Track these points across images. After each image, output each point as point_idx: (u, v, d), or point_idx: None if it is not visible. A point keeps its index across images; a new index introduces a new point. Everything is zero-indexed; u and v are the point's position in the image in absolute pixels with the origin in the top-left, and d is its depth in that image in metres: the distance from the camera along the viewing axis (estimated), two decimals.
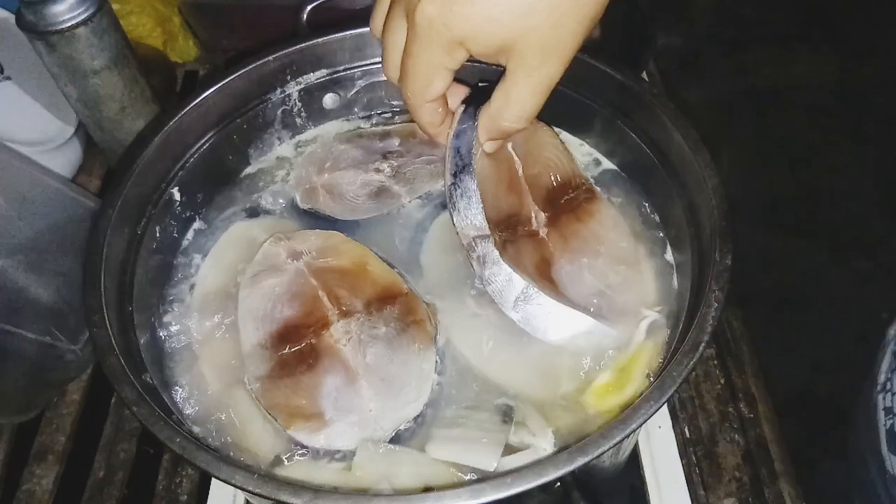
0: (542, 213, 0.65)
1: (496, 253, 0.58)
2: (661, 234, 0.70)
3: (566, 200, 0.68)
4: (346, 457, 0.57)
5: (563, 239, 0.65)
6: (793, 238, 2.07)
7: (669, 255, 0.68)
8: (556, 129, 0.79)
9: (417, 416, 0.58)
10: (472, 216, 0.58)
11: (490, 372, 0.62)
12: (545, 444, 0.56)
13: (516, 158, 0.65)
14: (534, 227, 0.65)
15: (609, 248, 0.66)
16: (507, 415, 0.58)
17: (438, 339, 0.62)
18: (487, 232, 0.58)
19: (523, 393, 0.60)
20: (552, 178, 0.68)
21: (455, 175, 0.59)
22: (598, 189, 0.71)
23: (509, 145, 0.65)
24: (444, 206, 0.72)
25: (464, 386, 0.61)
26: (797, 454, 0.80)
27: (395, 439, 0.58)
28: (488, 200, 0.59)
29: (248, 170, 0.78)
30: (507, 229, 0.62)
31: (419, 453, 0.57)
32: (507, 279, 0.58)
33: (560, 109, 0.77)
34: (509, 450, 0.56)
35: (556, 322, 0.59)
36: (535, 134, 0.69)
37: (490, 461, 0.54)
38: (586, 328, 0.60)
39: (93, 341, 0.53)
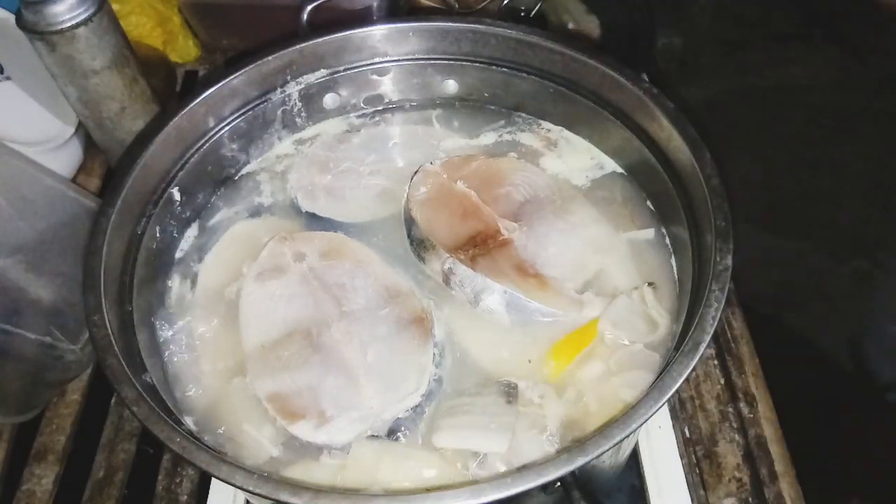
0: (514, 223, 0.69)
1: (465, 267, 0.64)
2: (662, 233, 0.70)
3: (543, 206, 0.71)
4: (344, 451, 0.57)
5: (538, 239, 0.69)
6: (793, 238, 2.07)
7: (670, 254, 0.69)
8: (558, 128, 0.79)
9: (416, 405, 0.59)
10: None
11: (490, 361, 0.63)
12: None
13: (466, 190, 0.71)
14: (505, 237, 0.68)
15: (585, 240, 0.69)
16: (510, 395, 0.58)
17: (437, 332, 0.63)
18: (449, 254, 0.65)
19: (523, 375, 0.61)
20: (523, 192, 0.72)
21: (410, 238, 0.70)
22: (578, 190, 0.74)
23: (459, 182, 0.72)
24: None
25: (463, 376, 0.62)
26: (797, 454, 0.80)
27: (395, 430, 0.58)
28: (443, 232, 0.68)
29: (248, 169, 0.78)
30: (475, 246, 0.67)
31: (412, 446, 0.57)
32: (483, 285, 0.64)
33: (561, 110, 0.77)
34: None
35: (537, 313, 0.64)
36: (493, 164, 0.75)
37: (500, 445, 0.55)
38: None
39: (93, 341, 0.53)
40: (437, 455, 0.56)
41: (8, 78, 1.00)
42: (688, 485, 0.76)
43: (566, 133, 0.79)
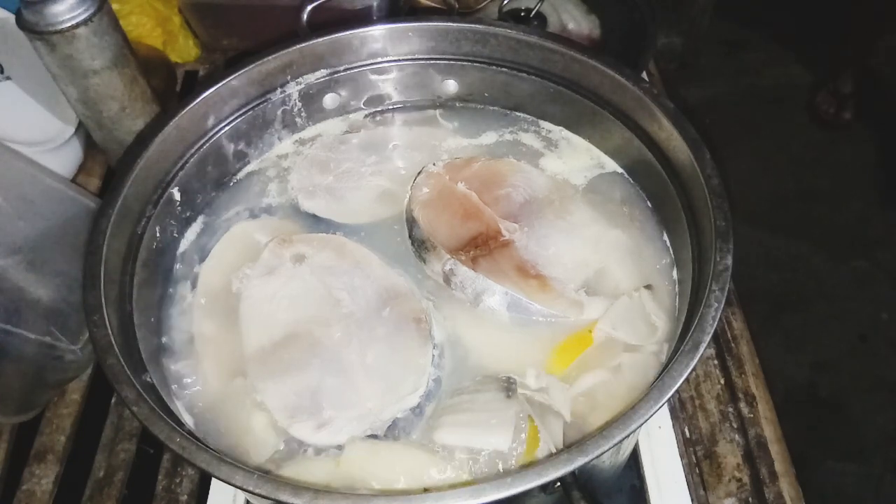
0: (515, 224, 0.69)
1: (466, 268, 0.65)
2: (662, 233, 0.70)
3: (543, 207, 0.71)
4: (339, 450, 0.57)
5: (539, 239, 0.69)
6: (793, 238, 2.07)
7: (670, 254, 0.69)
8: (558, 128, 0.79)
9: (415, 406, 0.59)
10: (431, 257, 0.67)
11: (490, 361, 0.63)
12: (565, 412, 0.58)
13: (467, 191, 0.71)
14: (506, 238, 0.68)
15: (585, 240, 0.70)
16: (510, 390, 0.58)
17: (436, 334, 0.63)
18: (450, 255, 0.65)
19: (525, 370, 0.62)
20: (523, 193, 0.72)
21: (411, 239, 0.70)
22: (577, 190, 0.75)
23: (460, 184, 0.72)
24: None
25: (463, 376, 0.62)
26: (797, 454, 0.80)
27: (394, 430, 0.58)
28: (444, 233, 0.68)
29: (249, 169, 0.78)
30: (477, 247, 0.67)
31: (405, 444, 0.57)
32: (484, 286, 0.64)
33: (561, 110, 0.77)
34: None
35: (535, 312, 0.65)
36: (493, 166, 0.75)
37: (502, 441, 0.55)
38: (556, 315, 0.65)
39: (93, 341, 0.53)
40: (437, 454, 0.56)
41: (8, 78, 1.00)
42: (688, 485, 0.76)
43: (566, 133, 0.79)
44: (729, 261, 0.55)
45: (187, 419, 0.60)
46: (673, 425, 0.80)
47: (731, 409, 0.82)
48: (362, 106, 0.82)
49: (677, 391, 0.50)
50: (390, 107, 0.83)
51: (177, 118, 0.67)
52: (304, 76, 0.76)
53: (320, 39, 0.74)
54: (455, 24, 0.75)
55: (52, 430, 0.83)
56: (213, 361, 0.64)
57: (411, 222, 0.70)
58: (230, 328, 0.65)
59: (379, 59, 0.78)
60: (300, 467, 0.57)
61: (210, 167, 0.73)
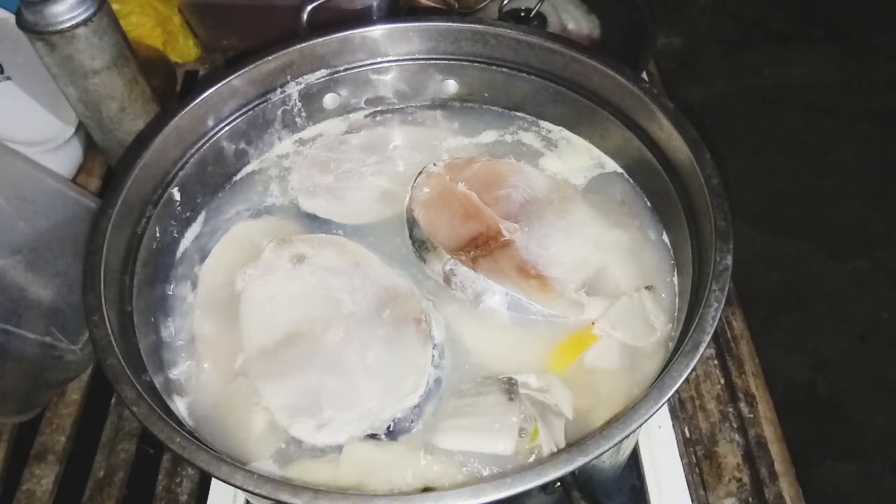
0: (514, 224, 0.69)
1: (466, 268, 0.65)
2: (662, 233, 0.70)
3: (543, 207, 0.71)
4: (339, 450, 0.57)
5: (539, 239, 0.69)
6: (793, 238, 2.07)
7: (670, 254, 0.69)
8: (558, 128, 0.79)
9: (415, 406, 0.59)
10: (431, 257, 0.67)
11: (491, 360, 0.63)
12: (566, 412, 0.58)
13: (468, 192, 0.71)
14: (506, 238, 0.68)
15: (585, 239, 0.70)
16: (512, 392, 0.58)
17: (436, 334, 0.63)
18: (450, 256, 0.65)
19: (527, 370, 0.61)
20: (523, 193, 0.72)
21: (412, 239, 0.70)
22: (577, 190, 0.75)
23: (461, 184, 0.72)
24: None
25: (464, 376, 0.62)
26: (797, 454, 0.80)
27: (393, 430, 0.58)
28: (444, 233, 0.68)
29: (249, 169, 0.78)
30: (477, 248, 0.67)
31: (404, 444, 0.57)
32: (485, 287, 0.64)
33: (561, 110, 0.77)
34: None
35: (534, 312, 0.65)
36: (493, 166, 0.75)
37: (506, 446, 0.55)
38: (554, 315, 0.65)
39: (93, 341, 0.53)
40: (437, 454, 0.56)
41: (8, 78, 1.00)
42: (688, 485, 0.76)
43: (566, 133, 0.79)
44: (729, 261, 0.55)
45: (187, 419, 0.60)
46: (673, 425, 0.80)
47: (731, 409, 0.82)
48: (362, 106, 0.82)
49: (677, 391, 0.50)
50: (390, 107, 0.83)
51: (177, 118, 0.67)
52: (304, 76, 0.76)
53: (320, 39, 0.74)
54: (455, 24, 0.75)
55: (52, 430, 0.83)
56: (214, 361, 0.64)
57: (412, 222, 0.70)
58: (231, 328, 0.65)
59: (379, 59, 0.78)
60: (300, 467, 0.57)
61: (210, 167, 0.73)
